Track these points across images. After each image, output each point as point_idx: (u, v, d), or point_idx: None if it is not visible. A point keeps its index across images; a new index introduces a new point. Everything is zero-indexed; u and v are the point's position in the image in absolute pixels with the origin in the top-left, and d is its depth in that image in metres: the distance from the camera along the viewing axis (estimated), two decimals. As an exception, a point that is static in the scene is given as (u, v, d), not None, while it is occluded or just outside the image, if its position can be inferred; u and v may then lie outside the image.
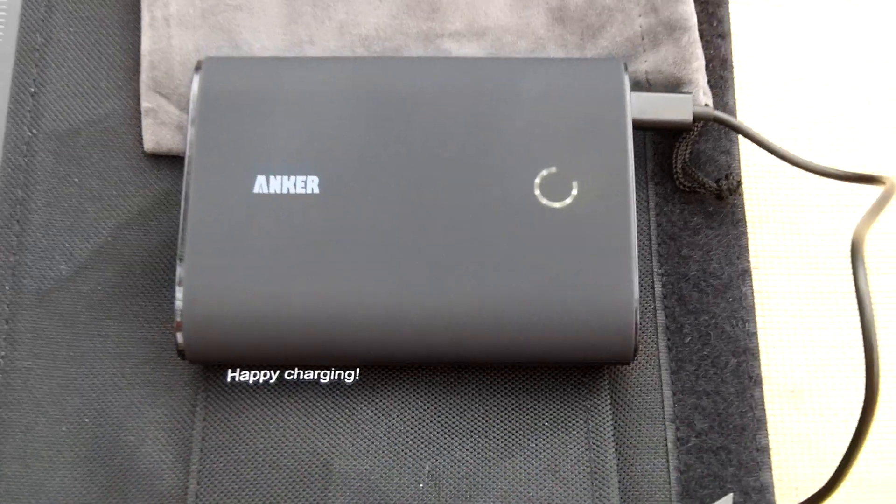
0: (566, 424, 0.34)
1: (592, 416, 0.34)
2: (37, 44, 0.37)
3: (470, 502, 0.33)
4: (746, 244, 0.36)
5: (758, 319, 0.35)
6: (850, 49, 0.39)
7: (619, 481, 0.33)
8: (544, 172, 0.33)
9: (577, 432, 0.34)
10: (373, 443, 0.33)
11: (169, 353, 0.35)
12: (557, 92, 0.34)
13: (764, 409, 0.34)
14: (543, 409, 0.34)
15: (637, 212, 0.36)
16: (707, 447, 0.34)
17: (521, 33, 0.37)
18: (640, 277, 0.35)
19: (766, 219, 0.37)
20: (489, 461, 0.33)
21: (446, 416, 0.34)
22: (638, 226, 0.36)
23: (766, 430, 0.34)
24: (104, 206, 0.36)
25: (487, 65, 0.35)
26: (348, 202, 0.33)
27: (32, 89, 0.37)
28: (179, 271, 0.32)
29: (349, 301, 0.32)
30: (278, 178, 0.33)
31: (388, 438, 0.34)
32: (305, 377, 0.34)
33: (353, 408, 0.34)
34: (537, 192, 0.33)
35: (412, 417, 0.34)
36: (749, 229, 0.36)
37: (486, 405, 0.34)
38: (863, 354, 0.30)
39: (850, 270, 0.30)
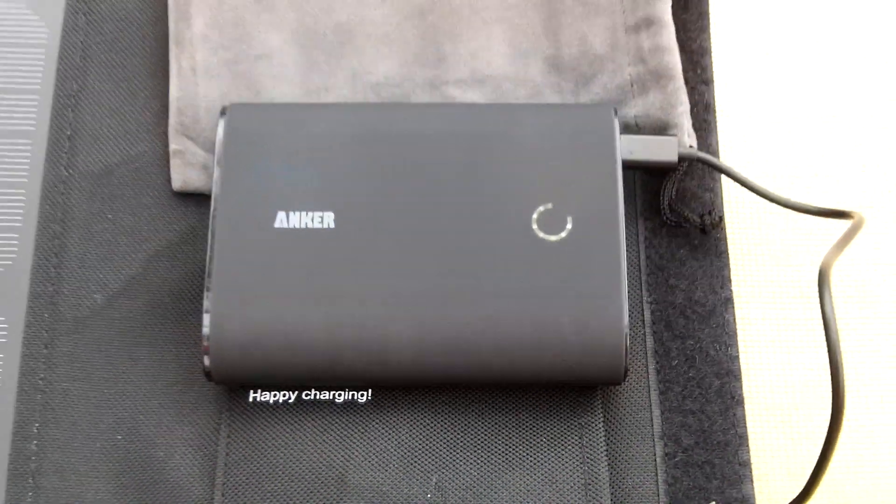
0: (562, 440, 0.34)
1: (586, 432, 0.34)
2: (73, 90, 0.38)
3: None
4: (729, 274, 0.36)
5: (739, 344, 0.36)
6: (824, 95, 0.40)
7: (612, 493, 0.34)
8: (541, 208, 0.34)
9: (573, 448, 0.34)
10: (384, 457, 0.34)
11: (195, 375, 0.35)
12: (553, 134, 0.35)
13: (746, 427, 0.34)
14: (541, 426, 0.34)
15: (627, 244, 0.37)
16: (693, 462, 0.34)
17: (520, 81, 0.38)
18: (630, 305, 0.36)
19: (747, 251, 0.38)
20: (491, 474, 0.34)
21: (452, 433, 0.34)
22: (628, 257, 0.36)
23: (748, 446, 0.34)
24: (135, 240, 0.37)
25: (489, 110, 0.36)
26: (361, 236, 0.33)
27: (69, 132, 0.38)
28: (206, 300, 0.33)
29: (362, 327, 0.33)
30: (297, 213, 0.34)
31: (399, 453, 0.34)
32: (322, 397, 0.35)
33: (366, 425, 0.34)
34: (535, 226, 0.34)
35: (420, 434, 0.34)
36: (731, 261, 0.37)
37: (489, 423, 0.35)
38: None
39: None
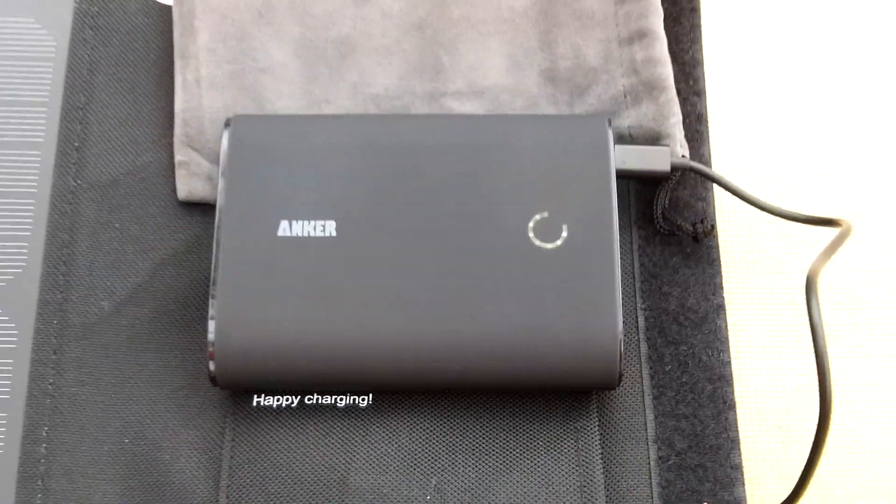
0: (558, 444, 0.34)
1: (582, 436, 0.35)
2: (80, 103, 0.38)
3: None
4: (720, 281, 0.37)
5: (731, 349, 0.36)
6: (814, 106, 0.40)
7: (607, 496, 0.34)
8: (537, 217, 0.34)
9: (568, 451, 0.34)
10: (384, 460, 0.34)
11: (200, 380, 0.35)
12: (549, 145, 0.35)
13: (737, 431, 0.35)
14: (538, 430, 0.35)
15: (622, 252, 0.37)
16: (686, 465, 0.35)
17: (517, 92, 0.38)
18: (624, 311, 0.36)
19: (738, 259, 0.38)
20: (489, 477, 0.34)
21: (451, 437, 0.35)
22: (622, 265, 0.37)
23: (740, 449, 0.35)
24: (142, 248, 0.37)
25: (486, 121, 0.37)
26: (362, 244, 0.34)
27: (77, 144, 0.38)
28: (211, 307, 0.33)
29: (362, 332, 0.33)
30: (299, 222, 0.34)
31: (399, 456, 0.34)
32: (324, 402, 0.35)
33: (367, 429, 0.35)
34: (531, 234, 0.34)
35: (420, 437, 0.35)
36: (723, 268, 0.37)
37: (486, 426, 0.35)
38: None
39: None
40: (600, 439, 0.35)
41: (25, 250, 0.37)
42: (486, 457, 0.35)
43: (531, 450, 0.34)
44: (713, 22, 0.41)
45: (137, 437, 0.35)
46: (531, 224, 0.34)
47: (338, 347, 0.33)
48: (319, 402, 0.35)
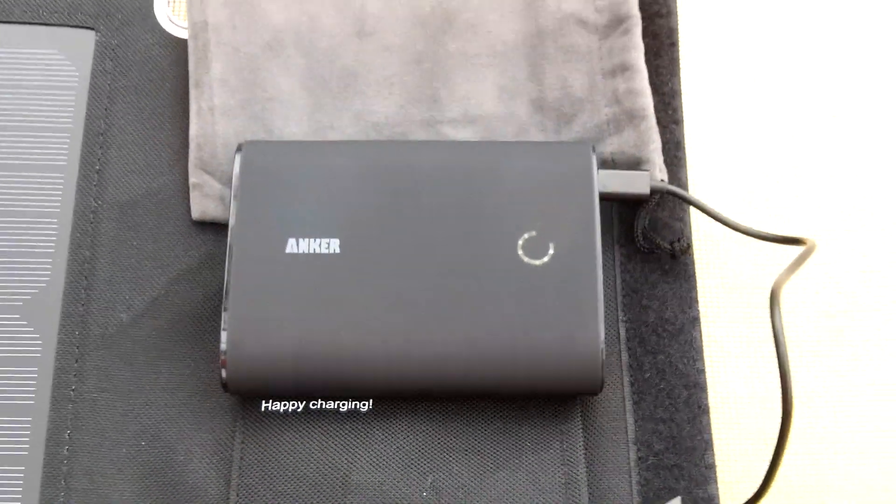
0: (544, 445, 0.35)
1: (567, 438, 0.35)
2: (101, 129, 0.39)
3: None
4: (696, 296, 0.38)
5: (705, 358, 0.37)
6: (784, 134, 0.41)
7: (589, 493, 0.35)
8: (526, 236, 0.35)
9: (554, 452, 0.35)
10: (384, 460, 0.35)
11: (212, 387, 0.36)
12: (537, 169, 0.36)
13: (711, 433, 0.36)
14: (526, 433, 0.35)
15: (605, 269, 0.37)
16: (663, 465, 0.35)
17: (508, 120, 0.39)
18: (606, 323, 0.37)
19: (712, 275, 0.39)
20: (481, 475, 0.35)
21: (445, 439, 0.35)
22: (606, 280, 0.37)
23: (713, 450, 0.35)
24: (158, 264, 0.38)
25: (480, 147, 0.37)
26: (364, 260, 0.35)
27: (97, 167, 0.39)
28: (224, 318, 0.34)
29: (364, 342, 0.34)
30: (306, 240, 0.35)
31: (397, 457, 0.35)
32: (327, 407, 0.36)
33: (368, 432, 0.35)
34: (520, 251, 0.35)
35: (417, 439, 0.35)
36: (698, 283, 0.38)
37: (478, 429, 0.35)
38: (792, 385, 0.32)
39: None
40: (584, 441, 0.35)
41: (49, 266, 0.37)
42: (478, 457, 0.35)
43: (520, 450, 0.35)
44: (691, 56, 0.42)
45: (153, 440, 0.36)
46: (520, 242, 0.35)
47: (341, 356, 0.34)
48: (323, 407, 0.36)
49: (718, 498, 0.35)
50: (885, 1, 0.44)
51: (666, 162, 0.39)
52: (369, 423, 0.36)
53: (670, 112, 0.40)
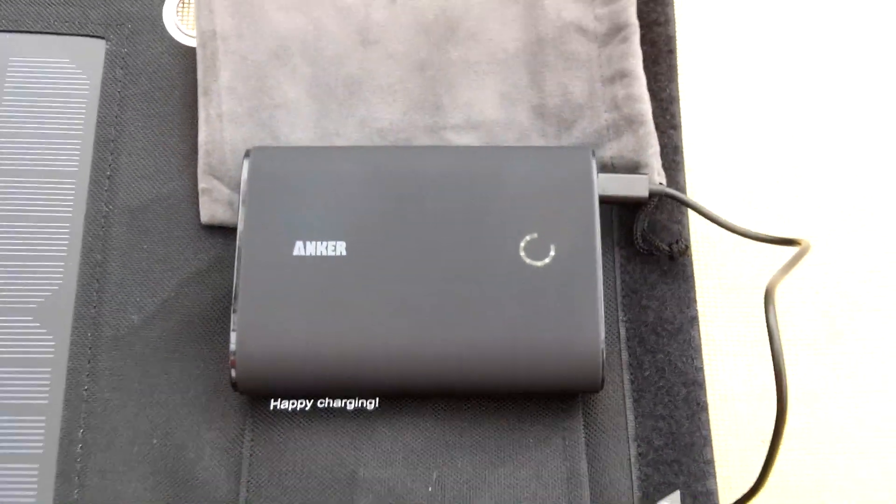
0: (547, 441, 0.36)
1: (568, 434, 0.36)
2: (112, 136, 0.40)
3: (469, 502, 0.35)
4: (694, 296, 0.38)
5: (704, 357, 0.37)
6: (780, 139, 0.41)
7: (591, 487, 0.35)
8: (528, 238, 0.35)
9: (556, 448, 0.36)
10: (390, 456, 0.36)
11: (222, 386, 0.36)
12: (539, 173, 0.36)
13: (710, 430, 0.36)
14: (529, 429, 0.36)
15: (605, 270, 0.38)
16: (663, 460, 0.36)
17: (509, 126, 0.39)
18: (607, 323, 0.37)
19: (710, 275, 0.39)
20: (485, 470, 0.35)
21: (450, 435, 0.36)
22: (606, 281, 0.38)
23: (712, 446, 0.36)
24: (168, 267, 0.38)
25: (482, 152, 0.38)
26: (370, 262, 0.35)
27: (108, 173, 0.39)
28: (233, 319, 0.35)
29: (370, 342, 0.35)
30: (313, 243, 0.35)
31: (403, 453, 0.36)
32: (334, 405, 0.36)
33: (374, 429, 0.36)
34: (522, 253, 0.35)
35: (422, 436, 0.36)
36: (696, 284, 0.38)
37: (482, 426, 0.36)
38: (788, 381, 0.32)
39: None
40: (585, 437, 0.36)
41: (61, 269, 0.38)
42: (482, 452, 0.36)
43: (523, 446, 0.36)
44: (688, 62, 0.42)
45: (165, 438, 0.36)
46: (522, 244, 0.36)
47: (347, 356, 0.35)
48: (331, 405, 0.36)
49: (717, 492, 0.36)
50: (879, 4, 0.44)
51: (664, 166, 0.39)
52: (376, 421, 0.36)
53: (668, 117, 0.41)
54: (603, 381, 0.35)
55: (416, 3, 0.41)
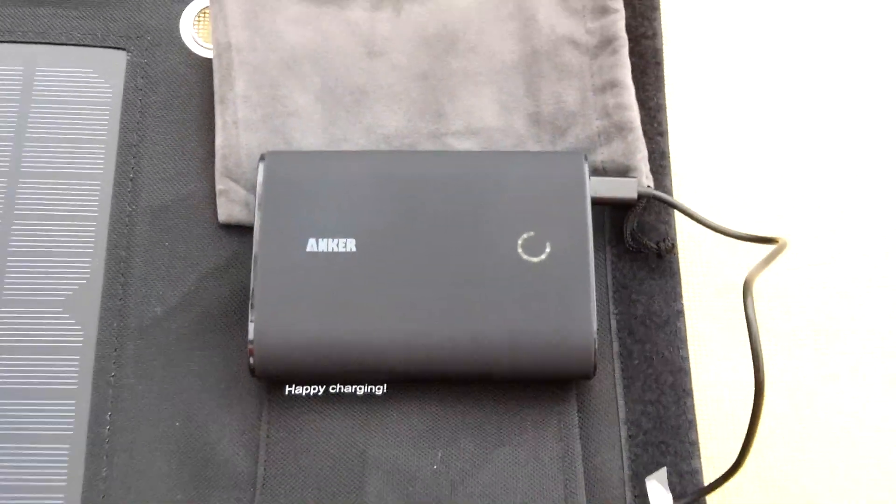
0: (543, 424, 0.37)
1: (563, 418, 0.37)
2: (134, 141, 0.41)
3: (471, 479, 0.36)
4: (680, 291, 0.39)
5: (689, 347, 0.38)
6: (762, 143, 0.42)
7: (584, 467, 0.36)
8: (525, 235, 0.37)
9: (552, 430, 0.37)
10: (398, 437, 0.37)
11: (240, 373, 0.37)
12: (534, 176, 0.37)
13: (694, 414, 0.37)
14: (527, 413, 0.37)
15: (596, 266, 0.39)
16: (651, 442, 0.37)
17: (507, 132, 0.40)
18: (599, 315, 0.38)
19: (695, 272, 0.40)
20: (486, 450, 0.36)
21: (454, 418, 0.37)
22: (597, 277, 0.39)
23: (696, 429, 0.37)
24: (189, 263, 0.39)
25: (482, 156, 0.39)
26: (378, 258, 0.36)
27: (132, 175, 0.40)
28: (251, 311, 0.36)
29: (378, 332, 0.36)
30: (325, 240, 0.36)
31: (410, 434, 0.37)
32: (346, 390, 0.37)
33: (383, 413, 0.37)
34: (520, 250, 0.36)
35: (428, 419, 0.37)
36: (682, 280, 0.39)
37: (484, 409, 0.37)
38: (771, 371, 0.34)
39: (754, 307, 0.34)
40: (579, 421, 0.37)
41: (88, 265, 0.39)
42: (483, 434, 0.37)
43: (521, 428, 0.37)
44: (675, 73, 0.43)
45: (187, 421, 0.37)
46: (520, 241, 0.37)
47: (357, 344, 0.36)
48: (342, 390, 0.37)
49: (701, 471, 0.37)
50: (856, 16, 0.45)
51: (652, 170, 0.40)
52: (384, 405, 0.37)
53: (656, 125, 0.42)
54: (595, 368, 0.36)
55: (419, 17, 0.42)
